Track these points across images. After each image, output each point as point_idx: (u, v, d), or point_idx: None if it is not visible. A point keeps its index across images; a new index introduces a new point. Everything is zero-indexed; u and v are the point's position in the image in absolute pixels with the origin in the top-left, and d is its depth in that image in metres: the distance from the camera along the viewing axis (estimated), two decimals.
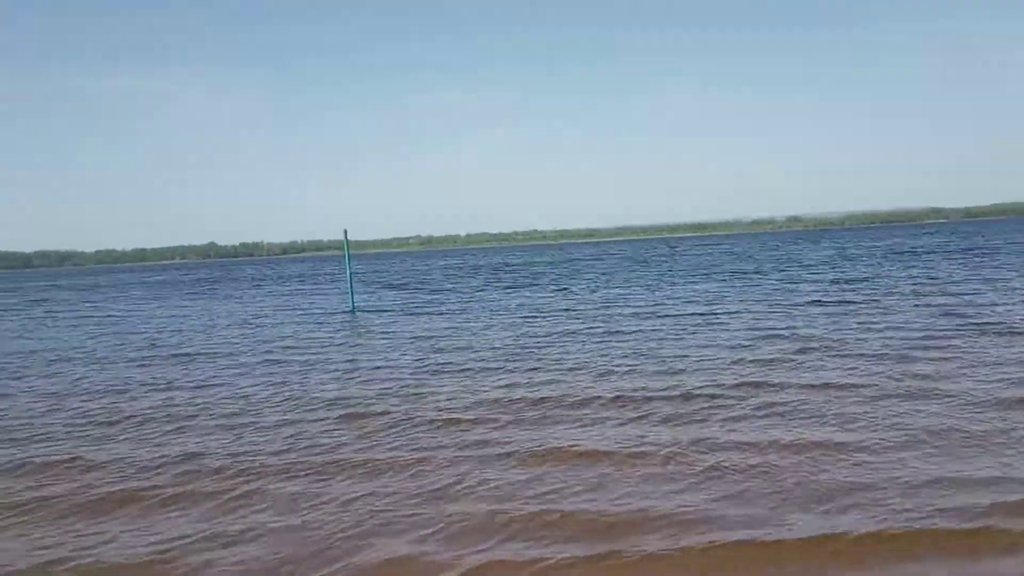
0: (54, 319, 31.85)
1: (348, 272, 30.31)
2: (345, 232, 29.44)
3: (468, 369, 13.63)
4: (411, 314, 25.54)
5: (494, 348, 16.08)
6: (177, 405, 11.69)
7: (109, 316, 31.81)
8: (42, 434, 10.14)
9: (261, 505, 7.06)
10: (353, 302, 29.78)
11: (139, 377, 14.63)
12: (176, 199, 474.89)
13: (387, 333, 20.06)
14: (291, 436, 9.39)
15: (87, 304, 41.49)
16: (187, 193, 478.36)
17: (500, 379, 12.46)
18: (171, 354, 17.81)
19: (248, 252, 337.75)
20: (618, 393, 10.85)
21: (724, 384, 11.15)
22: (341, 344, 18.25)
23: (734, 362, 12.96)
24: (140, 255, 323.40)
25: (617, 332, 17.76)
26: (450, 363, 14.40)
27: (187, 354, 17.69)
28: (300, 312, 29.07)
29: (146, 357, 17.55)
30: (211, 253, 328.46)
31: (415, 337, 18.81)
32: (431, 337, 18.61)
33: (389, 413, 10.34)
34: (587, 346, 15.76)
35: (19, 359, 18.47)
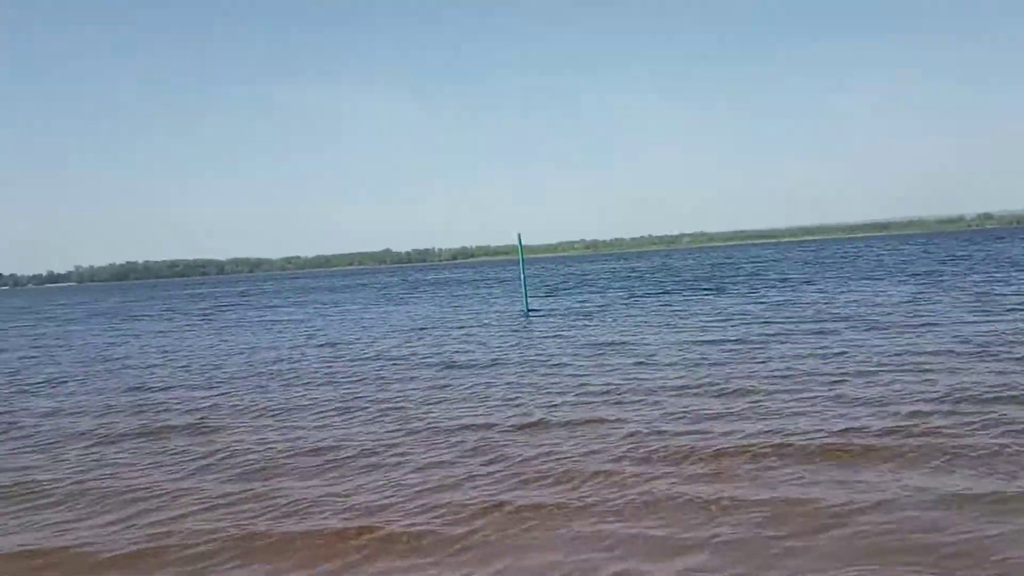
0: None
1: (522, 276, 31.40)
2: (519, 236, 30.58)
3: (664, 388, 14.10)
4: (586, 317, 26.18)
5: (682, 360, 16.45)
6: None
7: (289, 320, 34.37)
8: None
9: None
10: (527, 305, 30.81)
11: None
12: (351, 209, 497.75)
13: (562, 336, 20.82)
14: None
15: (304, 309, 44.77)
16: (363, 202, 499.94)
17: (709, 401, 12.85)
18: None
19: (421, 258, 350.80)
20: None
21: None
22: (515, 345, 19.18)
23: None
24: (323, 261, 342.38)
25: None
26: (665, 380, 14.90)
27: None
28: (476, 314, 30.31)
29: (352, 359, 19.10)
30: (386, 259, 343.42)
31: (596, 344, 19.40)
32: (617, 343, 19.13)
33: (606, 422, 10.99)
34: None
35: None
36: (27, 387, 16.88)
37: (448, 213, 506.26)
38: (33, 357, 23.69)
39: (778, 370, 13.10)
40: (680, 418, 10.07)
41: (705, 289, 37.03)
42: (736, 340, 17.22)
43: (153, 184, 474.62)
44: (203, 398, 13.89)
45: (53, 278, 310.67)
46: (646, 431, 9.44)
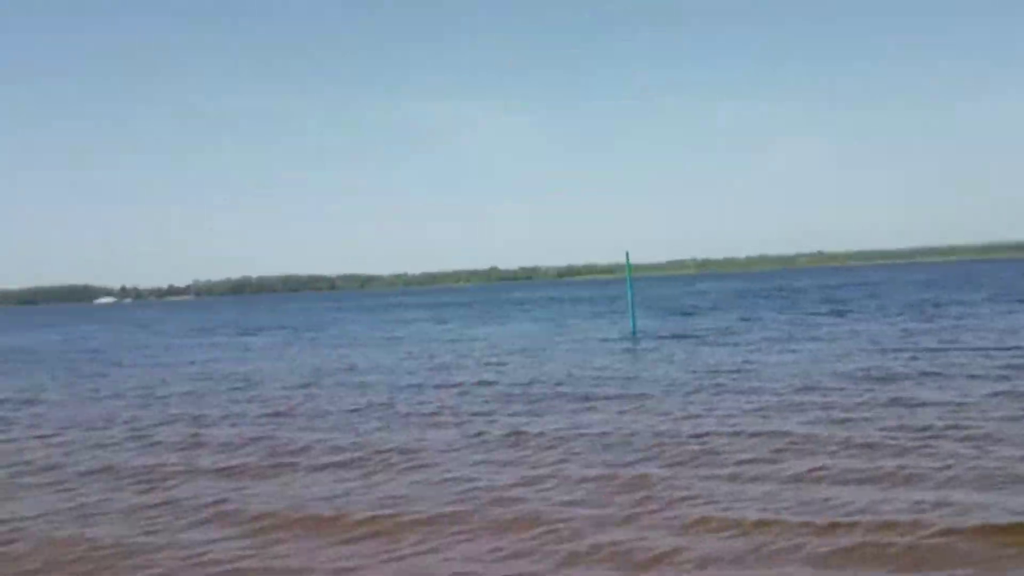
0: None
1: (629, 295, 29.18)
2: (627, 255, 28.39)
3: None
4: (701, 342, 23.72)
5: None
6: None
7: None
8: None
9: None
10: (635, 326, 28.58)
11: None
12: (458, 228, 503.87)
13: (672, 361, 18.50)
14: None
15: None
16: (470, 220, 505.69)
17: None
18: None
19: (527, 275, 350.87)
20: None
21: None
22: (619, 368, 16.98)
23: None
24: (430, 279, 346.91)
25: None
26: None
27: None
28: (580, 340, 28.23)
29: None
30: (493, 277, 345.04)
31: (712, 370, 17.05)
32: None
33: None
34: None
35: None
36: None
37: (554, 230, 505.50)
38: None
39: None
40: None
41: (826, 312, 33.82)
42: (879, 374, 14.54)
43: (265, 201, 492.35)
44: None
45: (173, 291, 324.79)
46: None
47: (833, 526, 6.57)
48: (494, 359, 21.13)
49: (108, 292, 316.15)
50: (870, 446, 9.14)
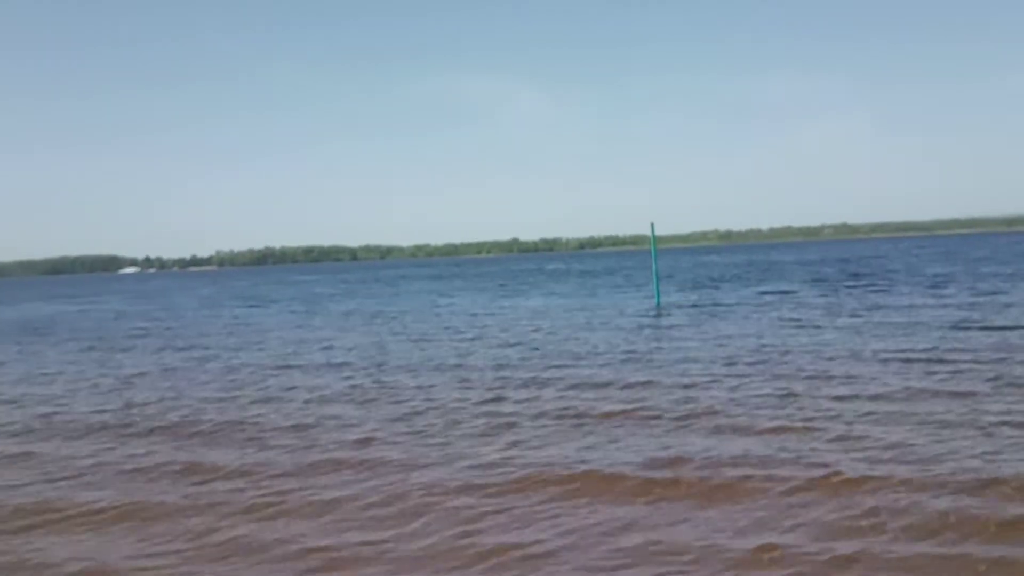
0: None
1: (654, 267, 28.94)
2: (652, 226, 28.10)
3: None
4: (723, 314, 23.49)
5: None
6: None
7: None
8: None
9: None
10: (659, 298, 28.37)
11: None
12: (484, 197, 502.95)
13: (699, 338, 18.31)
14: None
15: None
16: (494, 191, 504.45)
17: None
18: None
19: (548, 247, 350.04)
20: None
21: None
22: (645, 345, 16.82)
23: None
24: (452, 249, 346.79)
25: None
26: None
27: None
28: (604, 310, 28.06)
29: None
30: (514, 248, 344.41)
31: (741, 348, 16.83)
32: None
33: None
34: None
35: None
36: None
37: (576, 202, 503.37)
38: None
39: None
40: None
41: (852, 285, 33.40)
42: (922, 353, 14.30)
43: (290, 173, 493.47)
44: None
45: (196, 262, 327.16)
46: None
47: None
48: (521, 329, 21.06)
49: (133, 262, 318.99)
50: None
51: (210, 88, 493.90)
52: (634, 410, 10.25)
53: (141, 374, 15.96)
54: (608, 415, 10.05)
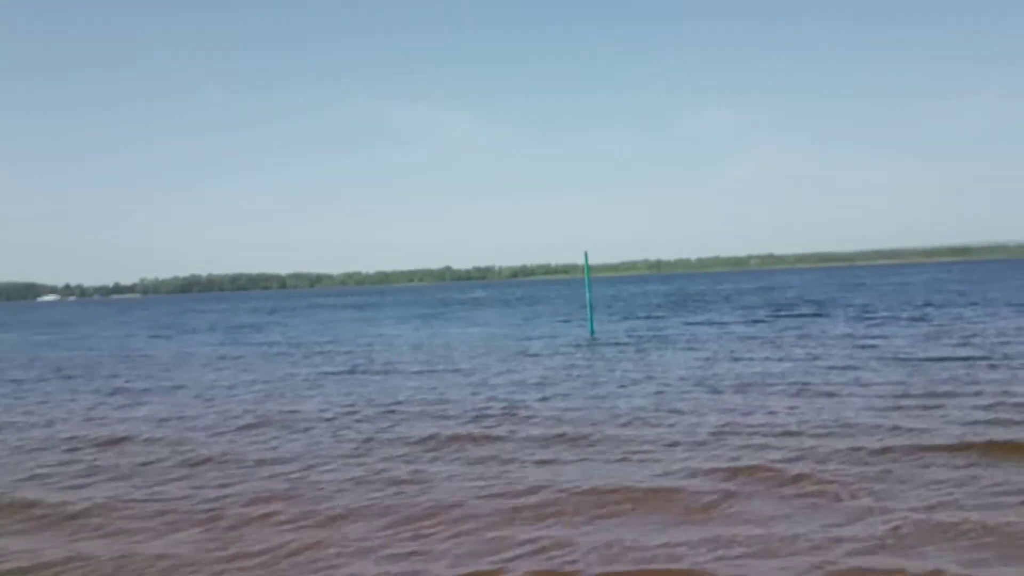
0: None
1: (588, 296, 28.81)
2: (586, 255, 28.00)
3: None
4: (661, 343, 23.36)
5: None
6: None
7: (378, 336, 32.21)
8: None
9: None
10: (592, 326, 28.19)
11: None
12: (412, 228, 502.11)
13: (632, 362, 18.07)
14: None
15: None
16: (424, 221, 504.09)
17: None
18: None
19: (481, 275, 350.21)
20: None
21: None
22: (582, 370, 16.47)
23: None
24: (383, 277, 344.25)
25: None
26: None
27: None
28: (543, 338, 27.73)
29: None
30: (447, 276, 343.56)
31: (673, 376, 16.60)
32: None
33: None
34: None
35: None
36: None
37: (507, 231, 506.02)
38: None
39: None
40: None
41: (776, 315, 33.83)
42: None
43: (213, 198, 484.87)
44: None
45: (119, 289, 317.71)
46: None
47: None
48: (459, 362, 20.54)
49: (52, 290, 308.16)
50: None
51: (137, 111, 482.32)
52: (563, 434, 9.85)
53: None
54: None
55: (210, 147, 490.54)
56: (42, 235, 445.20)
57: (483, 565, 6.10)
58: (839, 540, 6.27)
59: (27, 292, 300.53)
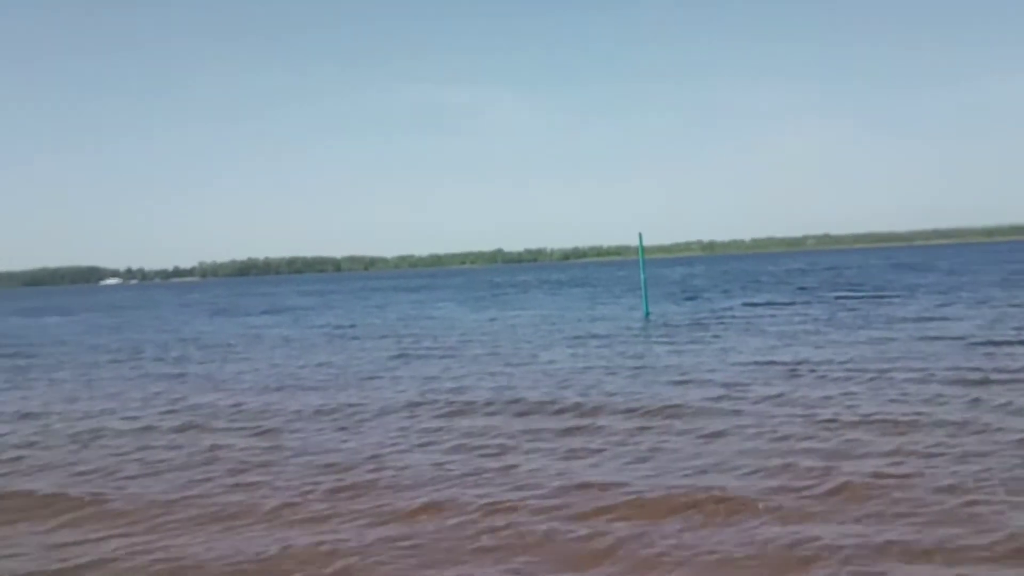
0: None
1: (643, 277, 28.78)
2: (640, 236, 28.01)
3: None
4: (718, 324, 23.30)
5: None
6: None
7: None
8: None
9: None
10: (647, 308, 28.20)
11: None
12: (465, 208, 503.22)
13: (688, 348, 18.10)
14: None
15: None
16: (477, 202, 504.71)
17: None
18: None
19: (532, 257, 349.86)
20: None
21: None
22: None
23: None
24: (436, 260, 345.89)
25: None
26: None
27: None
28: (597, 320, 27.80)
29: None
30: (499, 259, 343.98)
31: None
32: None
33: None
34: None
35: None
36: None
37: (560, 212, 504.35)
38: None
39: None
40: None
41: (838, 296, 33.38)
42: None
43: (274, 181, 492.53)
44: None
45: (179, 273, 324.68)
46: None
47: None
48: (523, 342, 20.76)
49: (114, 273, 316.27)
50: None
51: (194, 95, 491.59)
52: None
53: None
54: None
55: (264, 130, 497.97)
56: (105, 220, 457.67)
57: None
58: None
59: (90, 275, 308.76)
